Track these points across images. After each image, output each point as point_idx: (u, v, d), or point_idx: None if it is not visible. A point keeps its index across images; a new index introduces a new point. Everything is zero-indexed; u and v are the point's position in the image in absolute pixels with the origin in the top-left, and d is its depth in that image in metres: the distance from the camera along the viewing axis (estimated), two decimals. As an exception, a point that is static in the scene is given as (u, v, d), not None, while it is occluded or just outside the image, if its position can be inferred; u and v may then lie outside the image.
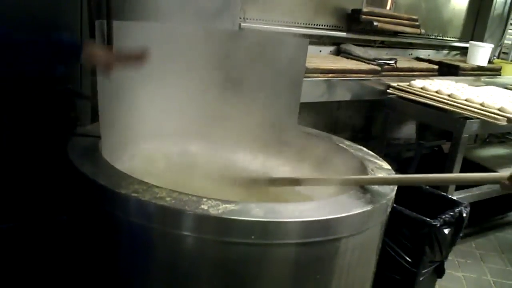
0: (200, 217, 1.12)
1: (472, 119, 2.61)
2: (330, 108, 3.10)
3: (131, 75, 1.52)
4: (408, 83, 2.97)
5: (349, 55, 3.17)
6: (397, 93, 2.94)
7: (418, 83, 2.95)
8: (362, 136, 3.23)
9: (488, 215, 3.59)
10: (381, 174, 1.53)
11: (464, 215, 1.96)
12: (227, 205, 1.15)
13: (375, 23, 3.23)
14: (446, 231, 1.88)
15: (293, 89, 1.83)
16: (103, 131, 1.43)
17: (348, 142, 1.82)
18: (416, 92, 2.86)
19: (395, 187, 1.45)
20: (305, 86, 1.91)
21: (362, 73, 2.92)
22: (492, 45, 3.85)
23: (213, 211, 1.12)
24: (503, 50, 4.53)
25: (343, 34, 3.26)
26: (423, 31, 3.61)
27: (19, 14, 1.82)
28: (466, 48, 3.89)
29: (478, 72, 3.73)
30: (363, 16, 3.22)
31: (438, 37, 4.08)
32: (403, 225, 1.86)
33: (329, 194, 1.53)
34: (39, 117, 1.93)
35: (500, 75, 3.90)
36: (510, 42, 4.53)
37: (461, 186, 2.81)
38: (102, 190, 1.20)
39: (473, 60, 3.75)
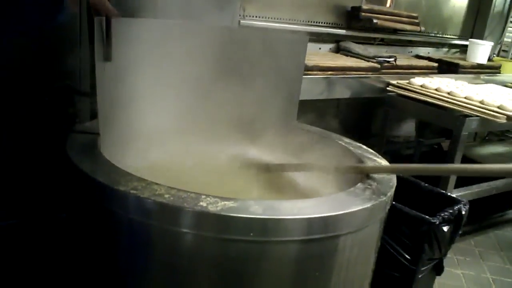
0: (199, 214, 1.12)
1: (471, 116, 2.61)
2: (329, 105, 3.10)
3: (131, 71, 1.52)
4: (407, 81, 2.97)
5: (349, 53, 3.17)
6: (396, 90, 2.93)
7: (417, 80, 2.95)
8: (361, 134, 3.23)
9: (487, 213, 3.59)
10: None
11: (463, 212, 1.96)
12: (226, 202, 1.14)
13: (374, 21, 3.23)
14: (445, 228, 1.88)
15: (292, 86, 1.83)
16: (102, 128, 1.43)
17: (347, 140, 1.82)
18: (416, 90, 2.86)
19: (394, 184, 1.45)
20: (304, 84, 1.91)
21: (361, 71, 2.92)
22: (492, 43, 3.85)
23: (212, 208, 1.12)
24: (503, 48, 4.53)
25: (342, 32, 3.26)
26: (423, 28, 3.61)
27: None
28: (466, 45, 3.89)
29: (478, 70, 3.73)
30: (363, 14, 3.22)
31: (438, 35, 4.08)
32: (402, 223, 1.86)
33: (328, 192, 1.53)
34: (38, 114, 1.93)
35: (499, 73, 3.90)
36: (510, 40, 4.53)
37: (460, 183, 2.81)
38: (101, 187, 1.20)
39: (472, 58, 3.75)
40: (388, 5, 3.53)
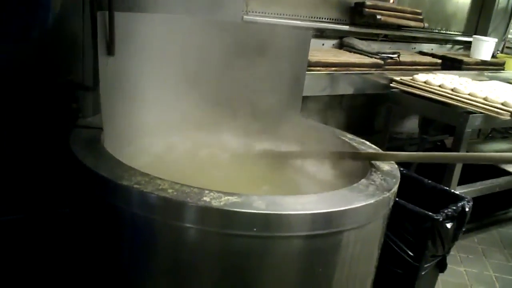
0: (202, 209, 1.12)
1: (475, 113, 2.60)
2: (332, 102, 3.09)
3: (133, 66, 1.52)
4: (411, 77, 2.96)
5: (352, 49, 3.16)
6: (400, 87, 2.92)
7: (421, 77, 2.93)
8: (364, 130, 3.22)
9: (490, 210, 3.58)
10: (383, 168, 1.52)
11: (467, 209, 1.95)
12: (229, 197, 1.14)
13: (378, 17, 3.22)
14: (448, 225, 1.87)
15: (296, 81, 1.83)
16: (105, 122, 1.43)
17: (350, 135, 1.81)
18: (419, 86, 2.85)
19: (398, 180, 1.45)
20: (308, 80, 1.91)
21: (365, 67, 2.91)
22: (496, 39, 3.83)
23: (215, 203, 1.11)
24: (507, 45, 4.51)
25: (346, 28, 3.24)
26: (426, 25, 3.59)
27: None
28: (470, 42, 3.88)
29: (482, 67, 3.71)
30: (367, 10, 3.21)
31: (442, 31, 4.07)
32: (405, 219, 1.85)
33: (331, 188, 1.52)
34: (41, 109, 1.93)
35: (503, 69, 3.89)
36: (514, 37, 4.51)
37: (463, 180, 2.80)
38: (104, 181, 1.20)
39: (476, 54, 3.74)
40: (391, 1, 3.52)
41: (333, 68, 2.72)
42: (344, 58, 2.88)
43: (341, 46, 3.27)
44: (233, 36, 1.71)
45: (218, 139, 1.76)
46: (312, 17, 3.10)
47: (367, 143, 1.76)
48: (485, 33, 4.14)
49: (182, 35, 1.64)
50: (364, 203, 1.25)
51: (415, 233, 1.85)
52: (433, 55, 3.68)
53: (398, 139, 3.71)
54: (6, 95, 1.74)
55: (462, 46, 4.24)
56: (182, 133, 1.64)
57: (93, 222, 1.33)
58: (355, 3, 3.25)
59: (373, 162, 1.54)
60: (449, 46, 4.18)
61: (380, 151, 1.67)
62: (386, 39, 3.57)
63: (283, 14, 2.94)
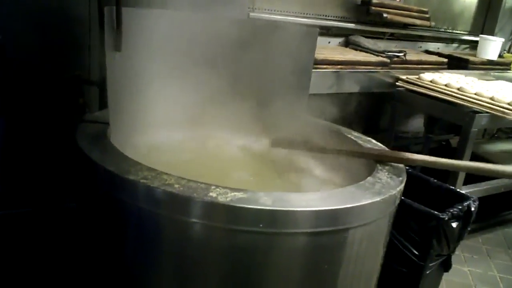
0: (209, 205, 1.11)
1: (481, 113, 2.59)
2: (338, 100, 3.08)
3: (140, 61, 1.52)
4: (417, 76, 2.95)
5: (358, 47, 3.15)
6: (406, 86, 2.91)
7: (427, 76, 2.92)
8: (369, 129, 3.21)
9: (495, 210, 3.57)
10: (390, 166, 1.52)
11: (473, 209, 1.94)
12: (235, 193, 1.14)
13: (384, 15, 3.21)
14: (454, 224, 1.86)
15: (302, 79, 1.82)
16: (112, 117, 1.43)
17: (356, 134, 1.81)
18: (425, 85, 2.84)
19: (404, 179, 1.44)
20: (314, 78, 1.90)
21: (371, 65, 2.90)
22: (503, 39, 3.81)
23: (221, 199, 1.11)
24: (513, 45, 4.48)
25: (352, 26, 3.24)
26: (433, 23, 3.58)
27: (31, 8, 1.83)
28: (476, 41, 3.86)
29: (488, 66, 3.70)
30: (373, 8, 3.20)
31: (448, 30, 4.05)
32: (411, 218, 1.84)
33: (336, 186, 1.52)
34: (48, 104, 1.94)
35: (510, 69, 3.87)
36: (521, 37, 4.48)
37: (469, 180, 2.79)
38: (111, 176, 1.20)
39: (483, 54, 3.72)
40: (398, -1, 3.51)
41: (339, 66, 2.72)
42: (350, 56, 2.88)
43: (347, 44, 3.26)
44: (240, 33, 1.71)
45: (223, 136, 1.76)
46: (318, 15, 3.09)
47: (373, 141, 1.76)
48: (491, 33, 4.12)
49: (189, 31, 1.64)
50: (370, 201, 1.25)
51: (420, 232, 1.85)
52: (439, 54, 3.67)
53: (403, 138, 3.69)
54: (14, 91, 1.75)
55: (468, 46, 4.22)
56: (188, 128, 1.64)
57: (99, 217, 1.33)
58: (362, 1, 3.24)
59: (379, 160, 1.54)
60: (455, 45, 4.17)
61: (387, 149, 1.66)
62: (392, 37, 3.56)
63: (289, 12, 2.93)
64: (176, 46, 1.60)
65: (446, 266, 2.06)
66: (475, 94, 2.68)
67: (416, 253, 1.86)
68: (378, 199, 1.27)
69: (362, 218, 1.26)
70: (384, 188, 1.33)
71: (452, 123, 3.34)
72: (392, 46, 3.38)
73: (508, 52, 4.37)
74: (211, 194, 1.13)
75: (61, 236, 1.82)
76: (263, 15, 2.75)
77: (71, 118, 1.69)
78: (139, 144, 1.47)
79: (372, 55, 3.01)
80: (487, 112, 2.58)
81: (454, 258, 2.07)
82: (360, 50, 3.11)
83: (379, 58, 2.97)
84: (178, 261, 1.22)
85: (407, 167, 1.55)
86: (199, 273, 1.21)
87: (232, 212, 1.12)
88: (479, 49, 3.76)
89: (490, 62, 3.72)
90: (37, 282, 1.86)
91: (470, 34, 4.18)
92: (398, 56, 3.09)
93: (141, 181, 1.15)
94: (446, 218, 1.82)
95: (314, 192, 1.27)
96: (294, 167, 1.67)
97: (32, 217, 1.96)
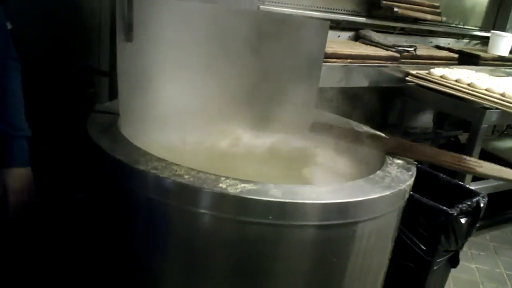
0: (218, 196, 1.12)
1: (491, 109, 2.57)
2: (347, 94, 3.07)
3: (151, 52, 1.51)
4: (427, 71, 2.93)
5: (368, 41, 3.13)
6: (416, 81, 2.89)
7: (437, 71, 2.90)
8: (378, 123, 3.20)
9: (503, 207, 3.54)
10: (399, 160, 1.51)
11: (482, 205, 1.93)
12: (245, 185, 1.14)
13: (395, 9, 3.18)
14: (462, 220, 1.85)
15: (312, 71, 1.82)
16: (122, 108, 1.44)
17: (366, 127, 1.80)
18: (436, 81, 2.81)
19: (414, 173, 1.44)
20: (323, 71, 1.89)
21: (380, 60, 2.88)
22: (515, 35, 3.77)
23: (231, 190, 1.12)
24: (525, 41, 4.43)
25: (362, 20, 3.22)
26: (444, 18, 3.55)
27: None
28: (487, 37, 3.82)
29: (499, 62, 3.66)
30: (384, 2, 3.17)
31: (459, 26, 4.01)
32: (419, 213, 1.83)
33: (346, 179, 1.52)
34: (58, 94, 1.94)
35: (521, 65, 3.83)
36: (533, 33, 4.43)
37: (478, 177, 2.77)
38: (121, 166, 1.20)
39: (494, 50, 3.68)
40: (409, -7, 3.47)
41: (349, 60, 2.70)
42: (360, 50, 2.86)
43: (357, 38, 3.24)
44: (251, 25, 1.70)
45: (233, 128, 1.76)
46: (328, 8, 3.07)
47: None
48: (503, 29, 4.08)
49: (200, 23, 1.63)
50: (379, 195, 1.25)
51: (428, 227, 1.84)
52: (450, 50, 3.64)
53: (412, 133, 3.68)
54: (24, 80, 1.76)
55: (479, 41, 4.18)
56: (198, 120, 1.63)
57: (108, 206, 1.34)
58: (373, -5, 3.21)
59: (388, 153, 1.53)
60: (466, 40, 4.13)
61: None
62: (403, 32, 3.53)
63: (299, 5, 2.92)
64: (187, 37, 1.60)
65: (453, 262, 2.05)
66: (485, 90, 2.65)
67: (424, 248, 1.86)
68: (387, 193, 1.27)
69: (371, 212, 1.25)
70: (393, 182, 1.33)
71: (461, 119, 3.32)
72: (402, 40, 3.35)
73: (520, 48, 4.32)
74: (221, 185, 1.13)
75: (70, 226, 1.84)
76: (273, 7, 2.73)
77: (81, 108, 1.70)
78: (149, 135, 1.47)
79: (382, 50, 2.98)
80: (498, 109, 2.56)
81: (461, 254, 2.06)
82: (370, 45, 3.09)
83: (389, 53, 2.95)
84: (186, 251, 1.22)
85: (415, 162, 1.54)
86: (207, 264, 1.22)
87: (241, 204, 1.12)
88: (490, 45, 3.72)
89: (501, 58, 3.68)
90: (46, 271, 1.88)
91: (481, 29, 4.14)
92: (408, 51, 3.07)
93: (151, 171, 1.16)
94: (455, 214, 1.81)
95: (323, 185, 1.27)
96: (303, 161, 1.66)
97: (43, 207, 1.97)
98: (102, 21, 2.06)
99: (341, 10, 3.16)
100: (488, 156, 3.16)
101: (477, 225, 1.98)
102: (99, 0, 2.05)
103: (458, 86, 2.72)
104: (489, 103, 2.57)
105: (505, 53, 3.68)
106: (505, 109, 2.53)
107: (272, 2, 2.78)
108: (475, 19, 4.11)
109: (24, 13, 1.85)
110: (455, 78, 2.80)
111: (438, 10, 3.52)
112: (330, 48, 2.63)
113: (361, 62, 2.76)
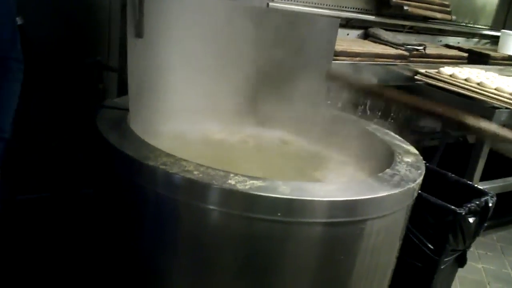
0: (227, 192, 1.12)
1: (501, 108, 2.55)
2: (355, 91, 3.06)
3: (161, 48, 1.52)
4: (436, 70, 2.91)
5: (377, 39, 3.11)
6: (425, 79, 2.88)
7: (447, 70, 2.88)
8: (387, 122, 3.19)
9: (511, 207, 3.52)
10: (408, 159, 1.51)
11: (490, 204, 1.92)
12: (254, 181, 1.14)
13: (405, 7, 3.16)
14: (470, 220, 1.85)
15: (322, 69, 1.81)
16: (132, 104, 1.44)
17: (375, 126, 1.80)
18: (445, 80, 2.80)
19: (423, 172, 1.43)
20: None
21: (390, 58, 2.87)
22: (525, 35, 3.74)
23: (240, 186, 1.12)
24: (535, 40, 4.39)
25: (372, 18, 3.20)
26: (454, 17, 3.52)
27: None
28: (497, 36, 3.79)
29: (509, 62, 3.63)
30: (394, 0, 3.15)
31: (469, 24, 3.98)
32: (427, 212, 1.83)
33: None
34: (68, 89, 1.95)
35: (531, 65, 3.79)
36: (543, 32, 4.39)
37: (485, 177, 2.76)
38: (130, 161, 1.21)
39: (504, 49, 3.66)
40: (419, -8, 3.45)
41: (358, 58, 2.69)
42: (369, 48, 2.85)
43: (366, 36, 3.22)
44: (261, 22, 1.70)
45: (241, 125, 1.77)
46: (338, 6, 3.06)
47: (391, 133, 1.75)
48: (514, 28, 4.05)
49: (210, 19, 1.64)
50: (388, 193, 1.25)
51: (436, 227, 1.83)
52: (459, 49, 3.61)
53: (419, 133, 3.66)
54: (34, 75, 1.77)
55: (489, 41, 4.14)
56: (207, 116, 1.64)
57: (117, 202, 1.35)
58: (383, -7, 3.20)
59: (397, 153, 1.53)
60: (475, 40, 4.09)
61: (406, 144, 1.65)
62: (412, 30, 3.51)
63: (309, 2, 2.91)
64: (197, 33, 1.60)
65: (461, 261, 2.04)
66: (495, 89, 2.63)
67: (432, 247, 1.85)
68: (396, 191, 1.27)
69: (380, 210, 1.25)
70: (402, 181, 1.33)
71: (470, 119, 3.30)
72: (411, 39, 3.33)
73: (530, 48, 4.28)
74: (229, 181, 1.13)
75: (78, 221, 1.85)
76: (283, 5, 2.73)
77: (90, 104, 1.70)
78: (158, 131, 1.48)
79: (391, 48, 2.97)
80: (507, 108, 2.54)
81: (468, 254, 2.05)
82: (379, 43, 3.07)
83: (398, 51, 2.94)
84: (195, 247, 1.23)
85: (423, 161, 1.54)
86: (215, 260, 1.22)
87: (250, 200, 1.13)
88: (500, 44, 3.70)
89: (511, 58, 3.65)
90: (53, 266, 1.89)
91: (491, 29, 4.10)
92: (417, 50, 3.05)
93: (160, 167, 1.16)
94: (463, 213, 1.81)
95: (332, 183, 1.27)
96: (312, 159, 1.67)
97: (50, 202, 1.99)
98: (111, 17, 2.06)
99: (351, 8, 3.14)
100: (497, 156, 3.15)
101: (485, 224, 1.97)
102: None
103: (468, 85, 2.71)
104: (498, 103, 2.56)
105: (515, 52, 3.66)
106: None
107: (281, -1, 2.77)
108: (485, 18, 4.07)
109: (34, 8, 1.86)
110: (464, 77, 2.78)
111: (448, 9, 3.50)
112: (340, 46, 2.62)
113: (370, 60, 2.75)
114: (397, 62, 2.90)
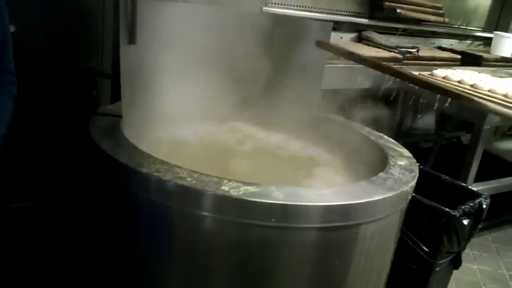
0: (221, 198, 1.12)
1: (494, 110, 2.56)
2: (348, 95, 3.07)
3: (154, 55, 1.52)
4: (430, 72, 2.92)
5: (371, 42, 3.13)
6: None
7: (440, 72, 2.89)
8: (381, 124, 3.20)
9: (505, 208, 3.54)
10: (402, 162, 1.51)
11: (484, 206, 1.93)
12: (248, 187, 1.14)
13: (398, 10, 3.17)
14: (465, 221, 1.85)
15: (315, 73, 1.82)
16: (125, 110, 1.44)
17: (368, 129, 1.81)
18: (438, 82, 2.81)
19: (417, 175, 1.44)
20: (325, 73, 1.89)
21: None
22: (517, 36, 3.76)
23: (233, 193, 1.12)
24: (528, 42, 4.41)
25: (365, 21, 3.21)
26: (446, 19, 3.54)
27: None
28: (490, 38, 3.81)
29: (502, 63, 3.65)
30: (386, 3, 3.16)
31: (462, 27, 4.00)
32: (421, 214, 1.84)
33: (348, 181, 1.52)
34: (61, 96, 1.95)
35: (524, 67, 3.81)
36: (535, 34, 4.41)
37: (479, 178, 2.77)
38: (124, 168, 1.20)
39: (497, 51, 3.67)
40: (411, -6, 3.47)
41: (351, 62, 2.69)
42: (363, 51, 2.85)
43: (360, 39, 3.23)
44: (253, 27, 1.70)
45: (234, 129, 1.77)
46: (330, 10, 3.07)
47: (385, 137, 1.76)
48: (506, 29, 4.07)
49: (203, 24, 1.64)
50: (382, 196, 1.25)
51: (431, 229, 1.84)
52: (452, 51, 3.63)
53: (413, 134, 3.67)
54: (27, 81, 1.76)
55: (482, 42, 4.17)
56: (201, 121, 1.64)
57: (110, 209, 1.34)
58: (375, -4, 3.21)
59: (391, 156, 1.53)
60: (468, 41, 4.12)
61: (400, 147, 1.65)
62: (405, 33, 3.52)
63: (302, 6, 2.92)
64: (190, 39, 1.60)
65: (456, 263, 2.05)
66: (488, 91, 2.64)
67: (426, 249, 1.86)
68: (390, 194, 1.27)
69: (374, 214, 1.26)
70: (396, 184, 1.33)
71: (463, 120, 3.31)
72: (405, 42, 3.34)
73: (523, 49, 4.31)
74: (223, 187, 1.13)
75: (69, 229, 1.84)
76: (275, 9, 2.74)
77: (83, 110, 1.70)
78: (152, 136, 1.48)
79: (384, 51, 2.98)
80: (500, 110, 2.55)
81: (463, 256, 2.06)
82: (373, 46, 3.08)
83: (392, 54, 2.95)
84: (189, 254, 1.22)
85: (418, 163, 1.55)
86: (209, 267, 1.22)
87: (244, 206, 1.12)
88: (493, 46, 3.71)
89: (504, 59, 3.66)
90: (44, 275, 1.88)
91: (484, 30, 4.13)
92: (411, 52, 3.07)
93: (154, 174, 1.16)
94: (457, 215, 1.81)
95: (326, 187, 1.27)
96: (305, 162, 1.67)
97: (43, 209, 1.98)
98: (104, 23, 2.07)
99: (344, 11, 3.15)
100: (491, 157, 3.17)
101: (480, 226, 1.98)
102: (102, 2, 2.06)
103: (461, 87, 2.72)
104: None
105: (507, 54, 3.67)
106: (508, 110, 2.52)
107: (275, 3, 2.78)
108: (477, 20, 4.10)
109: (27, 15, 1.86)
110: (457, 79, 2.79)
111: (440, 11, 3.52)
112: (333, 49, 2.63)
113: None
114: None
